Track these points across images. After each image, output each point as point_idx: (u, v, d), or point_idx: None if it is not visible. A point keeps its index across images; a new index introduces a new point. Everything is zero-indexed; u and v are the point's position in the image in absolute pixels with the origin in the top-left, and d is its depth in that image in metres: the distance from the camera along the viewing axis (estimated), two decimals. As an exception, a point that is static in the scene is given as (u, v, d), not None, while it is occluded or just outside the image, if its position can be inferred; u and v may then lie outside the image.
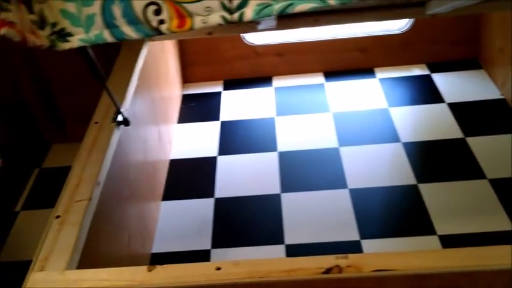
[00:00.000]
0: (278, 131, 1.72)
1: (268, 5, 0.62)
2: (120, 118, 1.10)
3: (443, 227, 1.30)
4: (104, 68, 1.38)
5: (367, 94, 1.83)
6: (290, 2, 0.61)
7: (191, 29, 0.66)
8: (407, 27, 1.86)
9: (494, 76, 1.79)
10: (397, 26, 1.88)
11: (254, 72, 2.00)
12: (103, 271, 0.80)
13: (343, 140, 1.64)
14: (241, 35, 1.91)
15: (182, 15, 0.64)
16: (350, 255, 0.76)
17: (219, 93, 1.95)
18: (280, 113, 1.81)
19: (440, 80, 1.84)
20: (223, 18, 0.64)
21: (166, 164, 1.63)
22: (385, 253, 0.76)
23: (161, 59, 1.64)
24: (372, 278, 0.72)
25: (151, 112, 1.47)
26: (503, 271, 0.73)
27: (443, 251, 0.76)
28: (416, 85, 1.83)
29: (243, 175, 1.57)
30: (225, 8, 0.63)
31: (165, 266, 0.77)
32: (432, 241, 1.27)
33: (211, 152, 1.67)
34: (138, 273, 0.78)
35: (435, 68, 1.90)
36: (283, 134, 1.71)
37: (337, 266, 0.74)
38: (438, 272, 0.73)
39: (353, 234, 1.32)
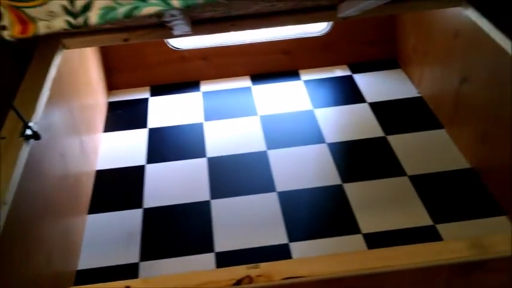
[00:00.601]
0: (207, 136, 1.71)
1: (113, 9, 0.60)
2: (29, 132, 1.04)
3: (367, 226, 1.34)
4: (17, 77, 1.32)
5: (293, 96, 1.86)
6: (135, 5, 0.60)
7: (36, 34, 0.63)
8: (327, 30, 1.91)
9: (410, 75, 1.88)
10: (318, 28, 1.92)
11: (181, 77, 1.97)
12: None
13: (271, 143, 1.65)
14: (165, 40, 1.88)
15: (24, 21, 0.61)
16: (261, 264, 0.76)
17: (146, 100, 1.91)
18: (208, 117, 1.80)
19: (361, 80, 1.90)
20: (68, 22, 0.61)
21: (92, 175, 1.58)
22: (295, 259, 0.77)
23: (80, 67, 1.58)
24: (283, 286, 0.72)
25: (70, 123, 1.41)
26: (411, 270, 0.77)
27: (350, 254, 0.78)
28: (338, 86, 1.89)
29: (172, 183, 1.54)
30: (68, 12, 0.61)
31: (76, 287, 0.74)
32: (357, 240, 1.31)
33: (139, 161, 1.63)
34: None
35: (356, 68, 1.96)
36: (211, 139, 1.70)
37: (248, 276, 0.74)
38: (345, 275, 0.75)
39: (282, 238, 1.34)
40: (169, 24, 1.26)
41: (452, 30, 1.50)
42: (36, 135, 1.06)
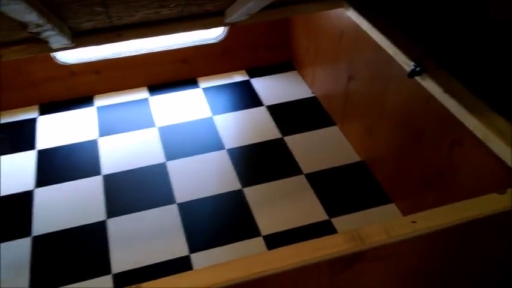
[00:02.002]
0: (102, 152, 1.63)
1: None
2: None
3: (267, 227, 1.35)
4: None
5: (192, 105, 1.83)
6: None
7: None
8: (223, 36, 1.90)
9: (304, 76, 1.93)
10: (215, 35, 1.91)
11: (72, 93, 1.87)
12: None
13: (170, 154, 1.61)
14: (51, 54, 1.77)
15: None
16: (142, 285, 0.72)
17: (33, 120, 1.78)
18: (103, 133, 1.71)
19: (258, 84, 1.92)
20: None
21: (-28, 207, 1.43)
22: (175, 276, 0.73)
23: None
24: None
25: None
26: (292, 271, 0.76)
27: (232, 262, 0.77)
28: (237, 91, 1.89)
29: (64, 206, 1.45)
30: None
31: None
32: (257, 243, 1.31)
33: (26, 186, 1.51)
34: None
35: (254, 73, 1.98)
36: (107, 155, 1.62)
37: (129, 298, 0.70)
38: (226, 285, 0.73)
39: (182, 250, 1.30)
40: (40, 37, 1.17)
41: (338, 31, 1.56)
42: None
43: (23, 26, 1.04)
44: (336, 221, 1.35)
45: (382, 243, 0.81)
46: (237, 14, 1.33)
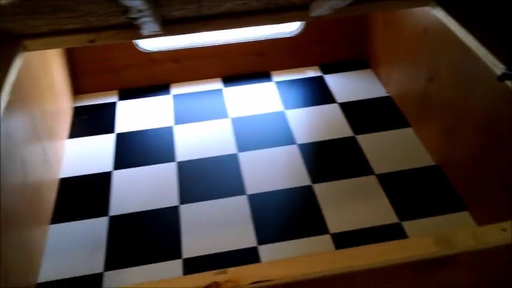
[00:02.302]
0: (177, 140, 1.68)
1: None
2: (-18, 141, 0.99)
3: (335, 226, 1.34)
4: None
5: (264, 98, 1.84)
6: None
7: None
8: (299, 30, 1.90)
9: (380, 75, 1.89)
10: (290, 29, 1.91)
11: (150, 80, 1.94)
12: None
13: (242, 146, 1.63)
14: (134, 41, 1.84)
15: None
16: (229, 270, 0.74)
17: (113, 104, 1.87)
18: (178, 121, 1.76)
19: (331, 80, 1.90)
20: None
21: (55, 183, 1.53)
22: (263, 263, 0.75)
23: (42, 70, 1.53)
24: (250, 291, 0.71)
25: (31, 129, 1.36)
26: (378, 269, 0.76)
27: (317, 255, 0.77)
28: (309, 87, 1.88)
29: (139, 189, 1.51)
30: None
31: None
32: (325, 240, 1.30)
33: (105, 167, 1.59)
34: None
35: (327, 69, 1.96)
36: (181, 143, 1.67)
37: (215, 282, 0.72)
38: (313, 277, 0.73)
39: (251, 241, 1.32)
40: (137, 22, 1.22)
41: (420, 30, 1.51)
42: (-9, 143, 1.01)
43: (125, 11, 1.08)
44: (407, 225, 1.32)
45: (470, 249, 0.78)
46: (323, 8, 1.32)
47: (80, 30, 1.36)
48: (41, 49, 1.43)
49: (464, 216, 1.32)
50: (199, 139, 1.68)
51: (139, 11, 1.10)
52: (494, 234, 0.79)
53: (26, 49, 1.36)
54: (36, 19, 1.21)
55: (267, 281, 0.73)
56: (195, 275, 0.74)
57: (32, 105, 1.40)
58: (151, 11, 1.13)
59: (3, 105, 1.14)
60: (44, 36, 1.37)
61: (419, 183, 1.44)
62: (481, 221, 1.29)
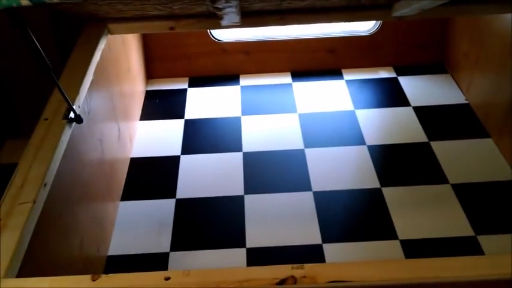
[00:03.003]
0: (243, 130, 1.69)
1: None
2: (72, 115, 1.03)
3: (405, 232, 1.29)
4: (60, 61, 1.32)
5: (334, 95, 1.81)
6: None
7: None
8: (375, 30, 1.85)
9: (459, 81, 1.80)
10: (365, 27, 1.87)
11: (221, 70, 1.96)
12: (44, 280, 0.75)
13: (309, 142, 1.61)
14: (208, 31, 1.86)
15: None
16: (306, 265, 0.73)
17: (184, 90, 1.90)
18: (246, 112, 1.77)
19: (406, 83, 1.84)
20: None
21: (127, 162, 1.57)
22: (341, 263, 0.73)
23: (122, 53, 1.58)
24: (327, 290, 0.69)
25: (109, 109, 1.40)
26: (462, 283, 0.72)
27: (400, 261, 0.74)
28: (382, 88, 1.83)
29: (206, 175, 1.53)
30: None
31: (110, 275, 0.72)
32: (394, 246, 1.26)
33: (174, 151, 1.62)
34: (82, 282, 0.73)
35: (402, 71, 1.90)
36: (248, 134, 1.67)
37: (292, 276, 0.71)
38: (395, 283, 0.70)
39: (315, 238, 1.30)
40: (220, 12, 1.23)
41: (509, 37, 1.43)
42: (78, 119, 1.05)
43: (213, 0, 1.08)
44: (483, 239, 1.25)
45: None
46: (407, 9, 1.27)
47: (162, 16, 1.39)
48: (123, 33, 1.48)
49: (547, 237, 1.24)
50: (266, 131, 1.68)
51: (227, 1, 1.10)
52: None
53: (110, 32, 1.41)
54: (125, 4, 1.24)
55: (344, 281, 0.71)
56: (272, 266, 0.73)
57: (112, 86, 1.44)
58: (237, 1, 1.13)
59: (87, 83, 1.18)
60: (128, 21, 1.41)
61: (499, 197, 1.37)
62: None
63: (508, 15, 1.42)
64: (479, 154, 1.51)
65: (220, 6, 1.11)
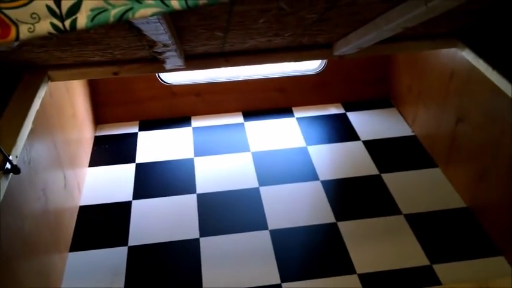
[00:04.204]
0: (197, 172, 1.66)
1: (104, 10, 0.55)
2: (8, 166, 0.98)
3: (362, 266, 1.29)
4: None
5: (286, 133, 1.83)
6: (129, 6, 0.55)
7: (17, 39, 0.57)
8: (321, 68, 1.91)
9: (404, 114, 1.87)
10: (313, 66, 1.92)
11: (172, 113, 1.94)
12: None
13: (263, 180, 1.61)
14: (156, 74, 1.86)
15: (4, 24, 0.55)
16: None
17: (134, 134, 1.86)
18: (198, 153, 1.75)
19: (355, 118, 1.89)
20: (54, 25, 0.56)
21: (75, 211, 1.50)
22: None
23: (66, 100, 1.53)
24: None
25: (53, 157, 1.35)
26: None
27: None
28: (332, 124, 1.87)
29: (159, 220, 1.48)
30: (53, 13, 0.55)
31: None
32: (352, 280, 1.25)
33: (125, 197, 1.57)
34: None
35: (350, 106, 1.95)
36: (202, 175, 1.65)
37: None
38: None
39: (274, 278, 1.27)
40: (161, 57, 1.23)
41: (448, 71, 1.50)
42: (15, 170, 0.99)
43: (150, 45, 1.09)
44: (438, 268, 1.26)
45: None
46: (347, 48, 1.32)
47: (104, 62, 1.38)
48: (65, 79, 1.44)
49: (500, 262, 1.26)
50: (220, 172, 1.66)
51: (165, 45, 1.10)
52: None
53: (51, 79, 1.37)
54: (62, 51, 1.22)
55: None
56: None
57: (55, 134, 1.39)
58: (176, 45, 1.14)
59: (26, 132, 1.13)
60: (69, 68, 1.38)
61: (450, 225, 1.39)
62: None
63: (443, 50, 1.50)
64: (428, 183, 1.55)
65: (159, 51, 1.11)
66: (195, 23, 1.04)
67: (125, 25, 0.95)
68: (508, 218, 1.27)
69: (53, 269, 1.24)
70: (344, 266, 1.29)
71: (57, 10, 0.55)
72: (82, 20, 0.56)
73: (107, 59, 1.34)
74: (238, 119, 1.93)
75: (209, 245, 1.37)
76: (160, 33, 0.99)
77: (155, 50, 1.17)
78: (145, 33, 0.99)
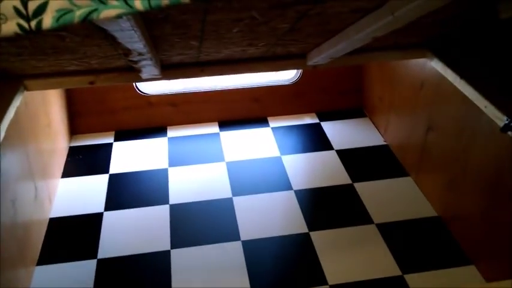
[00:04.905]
0: (170, 182, 1.65)
1: (69, 11, 0.56)
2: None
3: (334, 276, 1.29)
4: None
5: (261, 143, 1.83)
6: (93, 7, 0.56)
7: None
8: (296, 78, 1.92)
9: (377, 123, 1.89)
10: (288, 76, 1.94)
11: (147, 123, 1.93)
12: None
13: (237, 190, 1.61)
14: (133, 84, 1.85)
15: None
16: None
17: (109, 145, 1.85)
18: (173, 163, 1.74)
19: (329, 128, 1.90)
20: (20, 26, 0.56)
21: (45, 223, 1.48)
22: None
23: (41, 109, 1.52)
24: None
25: (25, 167, 1.33)
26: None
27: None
28: (306, 133, 1.88)
29: (130, 232, 1.46)
30: (20, 14, 0.56)
31: None
32: (323, 291, 1.25)
33: (96, 208, 1.55)
34: None
35: (324, 116, 1.97)
36: (175, 185, 1.64)
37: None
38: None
39: (245, 290, 1.27)
40: (137, 66, 1.23)
41: (418, 81, 1.53)
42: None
43: (126, 54, 1.08)
44: (410, 278, 1.27)
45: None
46: (320, 57, 1.33)
47: (80, 71, 1.37)
48: (40, 89, 1.43)
49: (470, 271, 1.28)
50: (193, 182, 1.65)
51: (140, 54, 1.10)
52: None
53: (26, 88, 1.36)
54: (38, 60, 1.21)
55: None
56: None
57: (28, 144, 1.38)
58: (152, 54, 1.14)
59: (-4, 142, 1.12)
60: (45, 77, 1.37)
61: (421, 234, 1.41)
62: (489, 276, 1.25)
63: (414, 61, 1.53)
64: (400, 192, 1.57)
65: (134, 59, 1.11)
66: (170, 32, 1.04)
67: (100, 33, 0.94)
68: (478, 227, 1.29)
69: (17, 284, 1.22)
70: (316, 277, 1.29)
71: (23, 11, 0.55)
72: (48, 20, 0.56)
73: (83, 68, 1.34)
74: (214, 129, 1.93)
75: (180, 257, 1.36)
76: (134, 41, 0.99)
77: (131, 59, 1.17)
78: (120, 41, 0.99)
